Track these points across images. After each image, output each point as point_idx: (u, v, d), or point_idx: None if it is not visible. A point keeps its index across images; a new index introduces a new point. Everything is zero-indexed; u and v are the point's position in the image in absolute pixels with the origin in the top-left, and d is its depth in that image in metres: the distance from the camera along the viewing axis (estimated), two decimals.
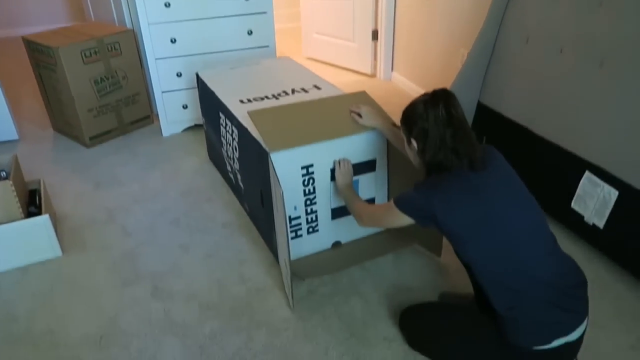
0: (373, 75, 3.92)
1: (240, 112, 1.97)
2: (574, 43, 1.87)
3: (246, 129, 1.86)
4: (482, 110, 2.35)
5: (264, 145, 1.69)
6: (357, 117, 1.80)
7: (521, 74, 2.12)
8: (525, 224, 1.31)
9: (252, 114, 1.77)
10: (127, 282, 1.88)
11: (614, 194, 1.75)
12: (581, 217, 1.89)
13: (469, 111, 2.39)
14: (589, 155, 1.83)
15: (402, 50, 3.63)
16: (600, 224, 1.82)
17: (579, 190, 1.89)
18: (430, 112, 1.34)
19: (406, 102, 1.44)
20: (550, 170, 2.00)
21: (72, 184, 2.54)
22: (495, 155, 1.38)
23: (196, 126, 3.04)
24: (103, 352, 1.59)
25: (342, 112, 1.84)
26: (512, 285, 1.29)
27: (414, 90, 3.46)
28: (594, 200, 1.83)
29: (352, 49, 3.92)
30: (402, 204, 1.40)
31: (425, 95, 1.40)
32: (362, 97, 1.92)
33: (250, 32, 2.83)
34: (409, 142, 1.42)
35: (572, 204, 1.92)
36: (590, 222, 1.86)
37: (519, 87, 2.14)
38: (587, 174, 1.84)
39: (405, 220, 1.40)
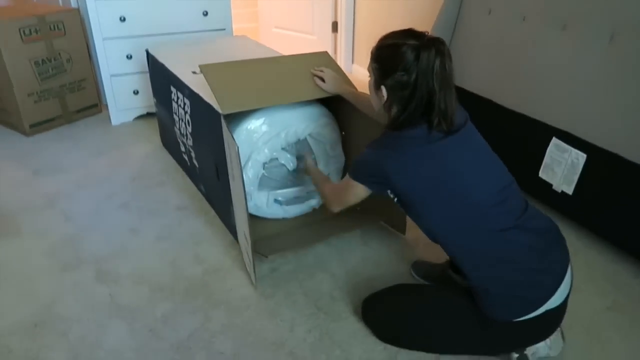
0: None
1: (192, 82, 1.84)
2: (536, 9, 1.85)
3: (198, 95, 1.73)
4: None
5: (216, 108, 1.56)
6: (319, 82, 1.70)
7: (484, 46, 2.09)
8: (490, 191, 1.20)
9: (204, 68, 1.63)
10: (67, 267, 1.68)
11: (581, 157, 1.72)
12: (549, 186, 1.85)
13: None
14: (555, 121, 1.80)
15: (362, 42, 3.59)
16: (569, 190, 1.78)
17: (546, 159, 1.85)
18: (422, 63, 1.12)
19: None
20: (517, 141, 1.96)
21: (7, 171, 2.31)
22: (463, 116, 1.26)
23: (149, 114, 2.86)
24: (37, 341, 1.39)
25: (302, 72, 1.73)
26: (483, 255, 1.19)
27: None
28: (561, 167, 1.79)
29: (311, 42, 3.84)
30: (356, 172, 1.29)
31: (412, 35, 1.16)
32: (323, 57, 1.83)
33: (205, 13, 2.70)
34: (377, 87, 1.23)
35: (540, 173, 1.88)
36: (559, 190, 1.82)
37: (482, 61, 2.11)
38: (554, 140, 1.80)
39: (364, 191, 1.30)
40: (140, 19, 2.58)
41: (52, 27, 2.57)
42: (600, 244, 1.78)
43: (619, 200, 1.64)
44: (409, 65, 1.14)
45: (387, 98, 1.22)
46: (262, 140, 1.69)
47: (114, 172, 2.29)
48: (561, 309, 1.23)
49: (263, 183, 1.78)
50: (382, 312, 1.39)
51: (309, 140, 1.80)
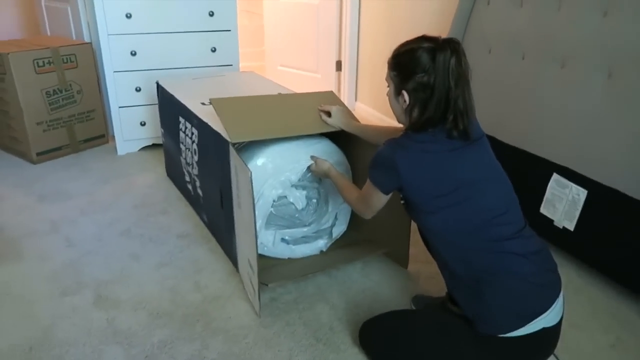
0: None
1: (201, 112, 1.88)
2: (536, 48, 1.91)
3: (207, 125, 1.76)
4: None
5: (225, 136, 1.59)
6: (325, 116, 1.73)
7: (485, 85, 2.14)
8: (497, 202, 1.24)
9: (214, 101, 1.68)
10: (67, 292, 1.68)
11: (582, 193, 1.73)
12: (551, 222, 1.85)
13: None
14: (555, 157, 1.82)
15: (365, 80, 3.68)
16: (571, 226, 1.78)
17: (547, 194, 1.86)
18: (438, 63, 1.16)
19: None
20: (519, 177, 1.96)
21: (12, 197, 2.33)
22: (480, 131, 1.29)
23: (154, 145, 2.91)
24: None
25: (309, 108, 1.77)
26: (481, 262, 1.20)
27: (378, 117, 3.47)
28: (562, 203, 1.81)
29: (316, 80, 3.94)
30: (372, 171, 1.30)
31: (425, 39, 1.21)
32: (329, 96, 1.87)
33: (214, 50, 2.79)
34: (398, 93, 1.26)
35: (541, 209, 1.89)
36: (561, 226, 1.82)
37: (483, 98, 2.15)
38: (554, 175, 1.82)
39: (382, 196, 1.31)
40: (150, 54, 2.66)
41: (65, 59, 2.65)
42: (603, 281, 1.77)
43: (621, 237, 1.64)
44: (427, 66, 1.18)
45: (409, 102, 1.24)
46: (272, 177, 1.65)
47: (117, 200, 2.31)
48: (556, 330, 1.23)
49: (270, 221, 1.73)
50: (378, 335, 1.38)
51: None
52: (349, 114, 1.76)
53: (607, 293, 1.71)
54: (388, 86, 1.32)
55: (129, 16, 2.54)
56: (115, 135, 2.81)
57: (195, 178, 2.03)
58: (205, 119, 1.80)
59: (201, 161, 1.92)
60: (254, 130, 1.63)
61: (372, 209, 1.39)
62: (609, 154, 1.66)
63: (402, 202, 1.32)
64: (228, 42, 2.82)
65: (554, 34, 1.86)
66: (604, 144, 1.68)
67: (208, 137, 1.79)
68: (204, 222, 2.11)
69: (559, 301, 1.21)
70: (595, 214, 1.71)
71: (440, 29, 2.68)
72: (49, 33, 3.28)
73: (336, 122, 1.71)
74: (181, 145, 2.11)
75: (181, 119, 2.06)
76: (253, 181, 1.53)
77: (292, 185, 1.71)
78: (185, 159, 2.10)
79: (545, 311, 1.17)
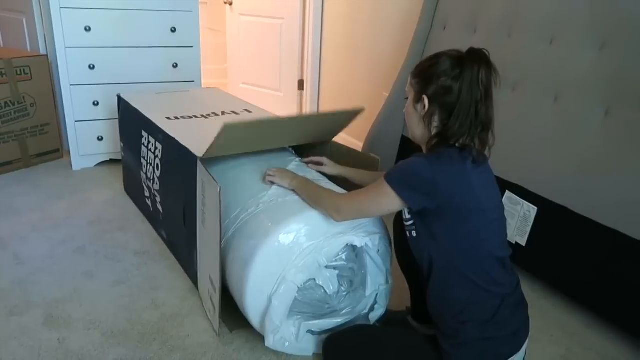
0: None
1: (167, 126, 1.86)
2: None
3: (173, 139, 1.74)
4: (405, 142, 2.42)
5: (193, 152, 1.57)
6: (319, 167, 1.71)
7: None
8: (501, 230, 1.25)
9: (227, 127, 1.38)
10: (15, 311, 1.60)
11: (533, 210, 1.81)
12: None
13: (393, 142, 2.45)
14: (507, 175, 1.90)
15: (327, 99, 3.74)
16: (523, 241, 1.86)
17: None
18: (466, 71, 1.09)
19: None
20: None
21: None
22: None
23: (112, 161, 2.84)
24: None
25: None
26: (472, 292, 1.18)
27: (340, 136, 3.52)
28: (515, 219, 1.88)
29: (278, 99, 3.97)
30: (397, 180, 1.15)
31: (455, 50, 1.14)
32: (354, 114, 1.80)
33: (175, 66, 2.77)
34: (418, 100, 1.18)
35: None
36: (514, 241, 1.89)
37: None
38: (507, 193, 1.90)
39: (396, 202, 1.16)
40: (109, 68, 2.62)
41: (18, 71, 2.57)
42: (554, 294, 1.84)
43: (569, 252, 1.72)
44: (452, 72, 1.12)
45: (428, 108, 1.17)
46: (300, 258, 1.34)
47: (71, 216, 2.24)
48: None
49: (293, 308, 1.41)
50: (342, 350, 1.35)
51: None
52: (334, 162, 1.74)
53: (559, 307, 1.79)
54: (407, 97, 1.25)
55: (88, 29, 2.50)
56: (71, 150, 2.73)
57: (156, 194, 1.99)
58: (171, 134, 1.78)
59: (164, 177, 1.89)
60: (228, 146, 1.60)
61: (362, 212, 1.26)
62: (558, 172, 1.75)
63: (413, 220, 1.24)
64: (190, 58, 2.81)
65: (504, 60, 1.95)
66: (552, 163, 1.77)
67: (173, 152, 1.76)
68: (162, 238, 2.07)
69: (526, 342, 1.23)
70: (546, 229, 1.78)
71: (398, 52, 2.77)
72: (2, 44, 3.18)
73: (331, 170, 1.70)
74: (142, 160, 2.07)
75: (144, 133, 2.03)
76: (275, 262, 1.34)
77: (325, 266, 1.40)
78: (146, 174, 2.06)
79: (519, 351, 1.20)
